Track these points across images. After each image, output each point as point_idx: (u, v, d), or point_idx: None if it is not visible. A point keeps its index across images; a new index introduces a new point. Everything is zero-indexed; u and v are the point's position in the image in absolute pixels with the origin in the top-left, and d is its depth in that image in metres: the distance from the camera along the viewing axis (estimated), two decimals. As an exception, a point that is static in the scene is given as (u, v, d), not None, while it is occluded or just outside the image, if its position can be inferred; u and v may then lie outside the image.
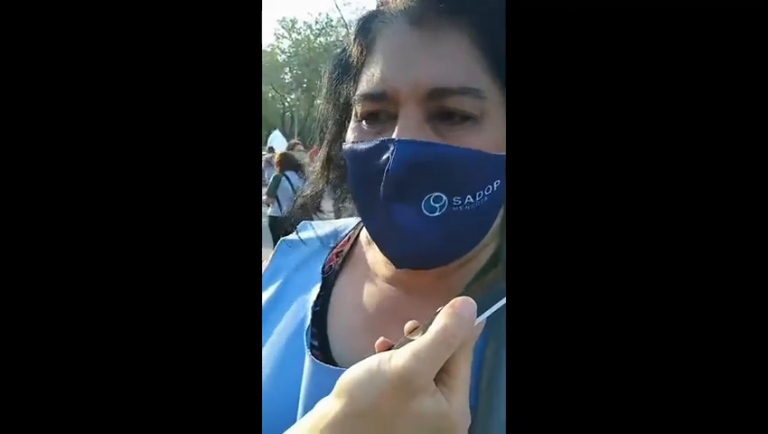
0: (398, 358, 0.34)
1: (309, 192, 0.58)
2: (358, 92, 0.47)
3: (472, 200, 0.44)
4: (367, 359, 0.35)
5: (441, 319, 0.35)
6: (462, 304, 0.36)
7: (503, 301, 0.38)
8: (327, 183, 0.55)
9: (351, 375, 0.35)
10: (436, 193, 0.43)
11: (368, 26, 0.48)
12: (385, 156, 0.43)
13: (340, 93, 0.52)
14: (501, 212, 0.48)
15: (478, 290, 0.40)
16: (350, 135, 0.48)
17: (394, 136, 0.43)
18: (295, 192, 4.17)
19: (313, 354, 0.50)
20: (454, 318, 0.35)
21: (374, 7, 0.49)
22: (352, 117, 0.48)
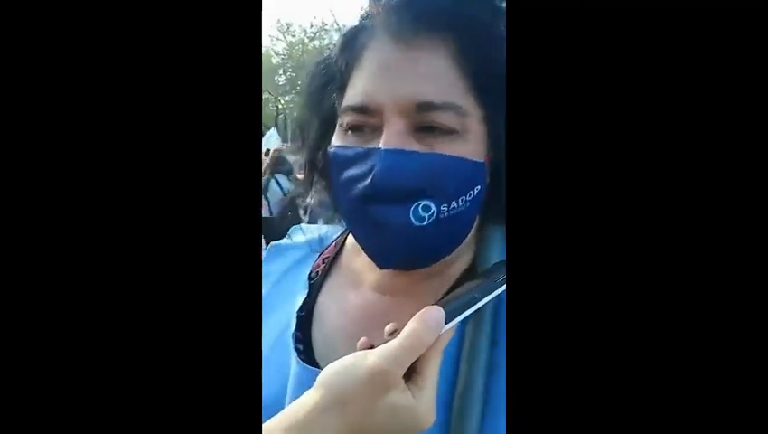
0: (371, 357, 0.38)
1: (295, 194, 0.59)
2: (344, 104, 0.49)
3: (456, 205, 0.46)
4: (345, 357, 0.39)
5: (411, 324, 0.39)
6: (431, 312, 0.40)
7: (473, 309, 0.41)
8: (311, 186, 0.57)
9: (330, 370, 0.39)
10: (425, 202, 0.45)
11: (353, 41, 0.50)
12: (370, 164, 0.45)
13: (323, 101, 0.53)
14: (479, 216, 0.50)
15: (449, 299, 0.43)
16: (335, 141, 0.50)
17: (381, 145, 0.45)
18: (284, 194, 4.14)
19: (298, 358, 0.53)
20: (423, 324, 0.39)
21: (358, 21, 0.51)
22: (337, 126, 0.50)
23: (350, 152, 0.47)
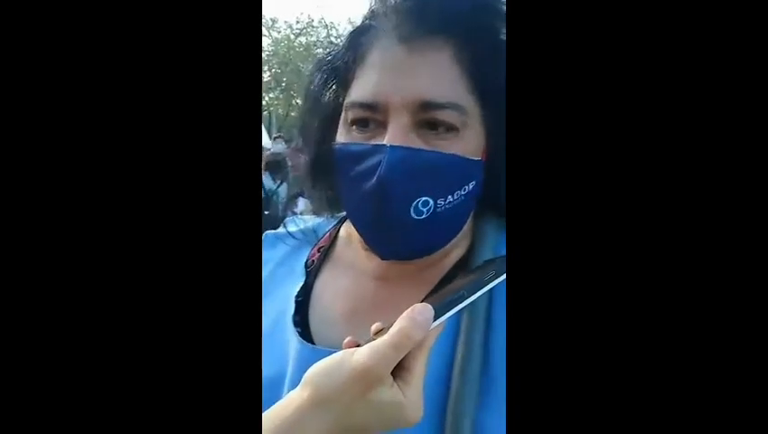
0: (358, 354, 0.38)
1: (293, 191, 0.61)
2: (350, 100, 0.50)
3: (452, 199, 0.48)
4: (332, 355, 0.39)
5: (399, 322, 0.39)
6: (419, 309, 0.40)
7: (461, 306, 0.42)
8: (313, 185, 0.58)
9: (317, 368, 0.39)
10: (424, 198, 0.47)
11: (359, 39, 0.52)
12: (376, 160, 0.46)
13: (325, 96, 0.55)
14: (474, 210, 0.52)
15: (437, 297, 0.44)
16: (339, 137, 0.51)
17: (385, 142, 0.46)
18: (266, 193, 4.10)
19: (299, 337, 0.54)
20: (410, 322, 0.39)
21: (363, 21, 0.54)
22: (341, 121, 0.51)
23: (356, 148, 0.49)
